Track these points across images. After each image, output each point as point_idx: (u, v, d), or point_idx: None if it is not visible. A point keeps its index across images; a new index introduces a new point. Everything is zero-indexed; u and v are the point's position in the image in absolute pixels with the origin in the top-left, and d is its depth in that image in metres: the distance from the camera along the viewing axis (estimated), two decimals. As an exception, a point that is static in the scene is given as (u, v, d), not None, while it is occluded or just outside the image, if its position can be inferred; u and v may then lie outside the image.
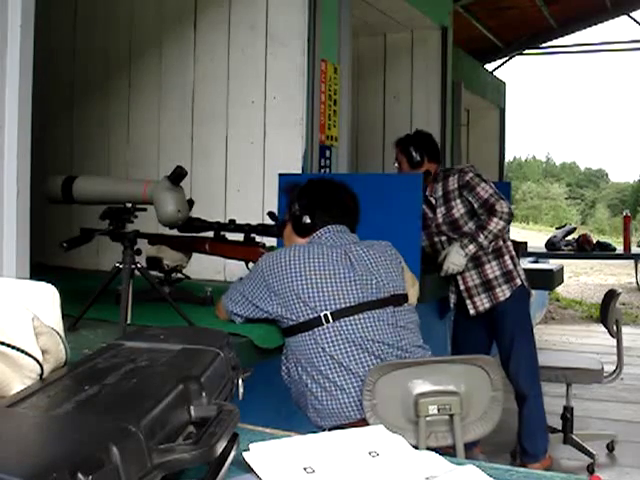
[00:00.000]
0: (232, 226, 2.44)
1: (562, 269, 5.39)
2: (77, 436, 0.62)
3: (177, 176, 1.95)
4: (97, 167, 3.81)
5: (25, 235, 1.83)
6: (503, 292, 3.17)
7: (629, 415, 4.32)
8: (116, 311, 1.95)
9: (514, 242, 3.69)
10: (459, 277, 3.21)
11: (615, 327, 3.56)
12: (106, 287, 2.01)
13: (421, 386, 1.93)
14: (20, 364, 0.85)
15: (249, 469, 0.80)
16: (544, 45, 9.41)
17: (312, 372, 1.97)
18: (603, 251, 6.11)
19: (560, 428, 3.58)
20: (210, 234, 2.49)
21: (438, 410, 1.91)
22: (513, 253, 3.27)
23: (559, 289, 8.99)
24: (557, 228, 6.47)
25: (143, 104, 3.78)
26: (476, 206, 3.11)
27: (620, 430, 3.87)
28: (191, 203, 2.09)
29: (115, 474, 0.59)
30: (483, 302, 3.19)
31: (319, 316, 1.95)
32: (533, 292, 3.35)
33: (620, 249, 6.10)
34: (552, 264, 5.89)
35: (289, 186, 2.25)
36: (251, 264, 2.32)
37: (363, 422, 1.87)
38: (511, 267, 3.20)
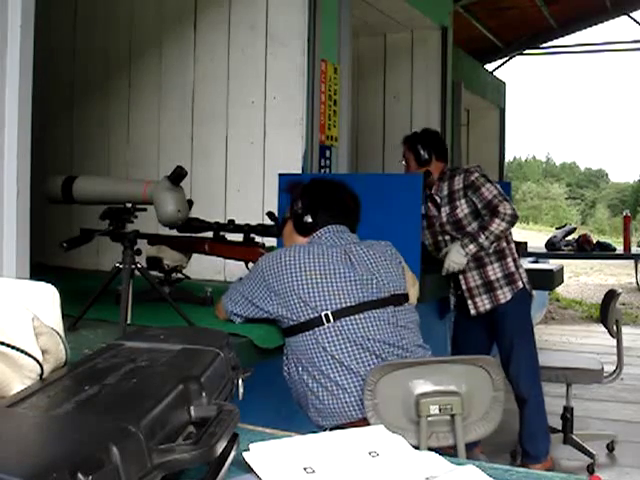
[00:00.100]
0: (231, 226, 2.44)
1: (562, 269, 5.38)
2: (77, 436, 0.62)
3: (177, 176, 1.95)
4: (97, 167, 3.81)
5: (25, 235, 1.83)
6: (504, 294, 3.16)
7: (629, 415, 4.32)
8: (116, 311, 1.95)
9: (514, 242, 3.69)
10: (461, 277, 3.21)
11: (615, 327, 3.56)
12: (106, 287, 2.01)
13: (422, 386, 1.93)
14: (20, 364, 0.85)
15: (249, 469, 0.79)
16: (544, 45, 9.41)
17: (313, 372, 1.97)
18: (603, 251, 6.11)
19: (560, 428, 3.57)
20: (210, 234, 2.49)
21: (439, 410, 1.91)
22: (516, 255, 3.26)
23: (559, 289, 8.99)
24: (557, 228, 6.47)
25: (143, 104, 3.78)
26: (479, 206, 3.10)
27: (620, 430, 3.87)
28: (190, 203, 2.09)
29: (115, 474, 0.58)
30: (484, 303, 3.19)
31: (320, 316, 1.95)
32: (533, 292, 3.34)
33: (620, 249, 6.11)
34: (552, 264, 5.89)
35: (291, 184, 2.25)
36: (251, 264, 2.32)
37: (364, 422, 1.87)
38: (513, 269, 3.19)
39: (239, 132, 3.49)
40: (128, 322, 1.94)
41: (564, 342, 6.90)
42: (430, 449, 1.22)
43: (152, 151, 3.73)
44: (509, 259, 3.19)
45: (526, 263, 5.34)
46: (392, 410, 1.92)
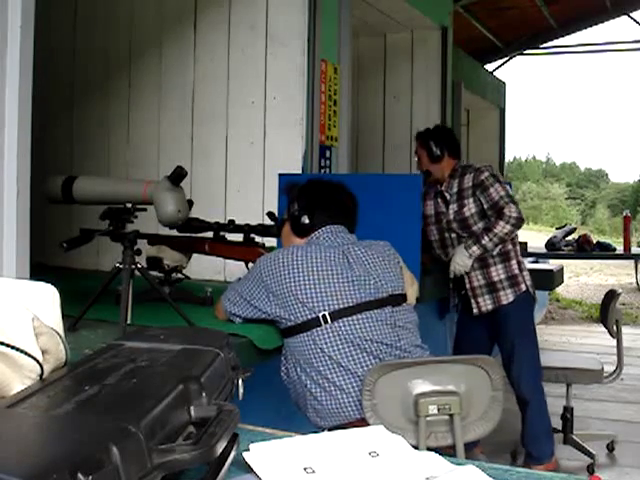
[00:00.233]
0: (231, 226, 2.44)
1: (562, 269, 5.39)
2: (77, 436, 0.62)
3: (177, 176, 1.95)
4: (97, 167, 3.81)
5: (25, 235, 1.83)
6: (506, 296, 3.16)
7: (629, 415, 4.32)
8: (116, 311, 1.95)
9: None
10: (465, 276, 3.21)
11: (615, 327, 3.56)
12: (106, 287, 2.01)
13: (421, 386, 1.93)
14: (20, 364, 0.85)
15: (249, 469, 0.79)
16: (544, 45, 9.41)
17: (311, 373, 1.97)
18: (603, 251, 6.11)
19: (560, 428, 3.57)
20: (210, 234, 2.50)
21: (438, 410, 1.91)
22: (521, 258, 3.24)
23: (559, 289, 8.99)
24: (557, 228, 6.47)
25: (143, 104, 3.78)
26: (486, 207, 3.09)
27: (620, 430, 3.87)
28: (190, 203, 2.09)
29: (115, 474, 0.59)
30: (486, 303, 3.19)
31: (317, 317, 1.95)
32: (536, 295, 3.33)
33: (620, 249, 6.11)
34: (552, 264, 5.89)
35: (288, 186, 2.25)
36: (251, 264, 2.32)
37: (363, 422, 1.87)
38: (517, 272, 3.18)
39: (239, 132, 3.49)
40: (128, 322, 1.94)
41: (564, 342, 6.90)
42: (429, 449, 1.22)
43: (152, 151, 3.73)
44: (513, 261, 3.18)
45: (526, 263, 5.34)
46: (391, 410, 1.92)
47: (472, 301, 3.21)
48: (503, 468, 0.86)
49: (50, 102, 3.89)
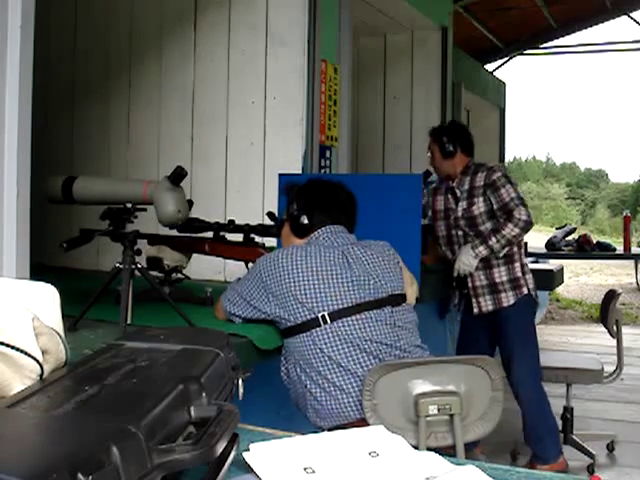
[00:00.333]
0: (231, 226, 2.44)
1: (562, 269, 5.38)
2: (77, 436, 0.62)
3: (177, 176, 1.95)
4: (97, 167, 3.81)
5: (25, 235, 1.83)
6: (507, 298, 3.15)
7: (629, 415, 4.32)
8: (116, 311, 1.95)
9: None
10: (468, 275, 3.20)
11: (615, 327, 3.55)
12: (106, 287, 2.01)
13: (421, 386, 1.93)
14: (20, 364, 0.85)
15: (249, 469, 0.79)
16: (544, 45, 9.41)
17: (311, 373, 1.97)
18: (603, 251, 6.11)
19: (560, 428, 3.57)
20: (210, 234, 2.50)
21: (438, 410, 1.91)
22: (525, 261, 3.23)
23: (559, 289, 8.99)
24: (557, 228, 6.48)
25: (143, 104, 3.78)
26: (495, 207, 3.08)
27: (620, 430, 3.87)
28: (190, 203, 2.09)
29: (115, 474, 0.58)
30: (487, 303, 3.18)
31: (317, 317, 1.95)
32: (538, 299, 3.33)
33: (620, 249, 6.11)
34: (552, 264, 5.89)
35: (288, 186, 2.25)
36: (250, 264, 2.32)
37: (363, 422, 1.87)
38: (519, 275, 3.17)
39: (239, 132, 3.49)
40: (128, 322, 1.94)
41: (564, 342, 6.90)
42: (429, 449, 1.22)
43: (152, 151, 3.73)
44: (517, 264, 3.17)
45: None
46: (391, 410, 1.92)
47: (473, 300, 3.21)
48: (503, 468, 0.86)
49: (50, 102, 3.89)
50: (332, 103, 3.53)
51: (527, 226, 3.05)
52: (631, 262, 9.69)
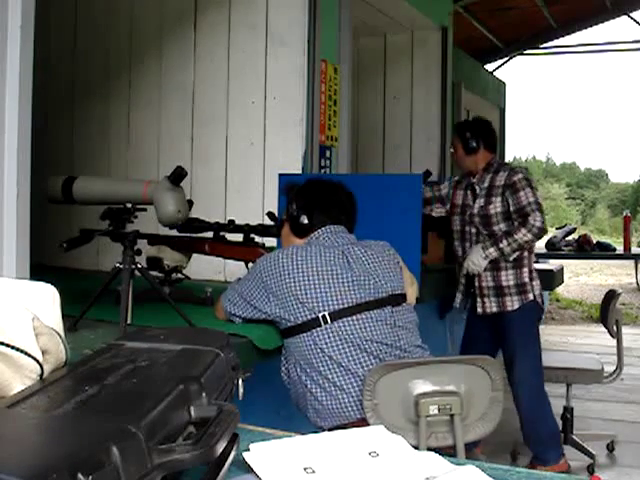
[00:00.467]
0: (231, 226, 2.44)
1: (562, 269, 5.38)
2: (77, 436, 0.62)
3: (177, 176, 1.95)
4: (97, 167, 3.81)
5: (25, 235, 1.83)
6: (512, 302, 3.14)
7: (629, 415, 4.32)
8: (116, 311, 1.95)
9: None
10: (476, 274, 3.20)
11: (615, 327, 3.55)
12: (106, 287, 2.01)
13: (422, 386, 1.93)
14: (20, 364, 0.85)
15: (249, 469, 0.79)
16: (544, 45, 9.41)
17: (311, 373, 1.97)
18: (603, 251, 6.11)
19: (560, 428, 3.57)
20: (210, 234, 2.50)
21: (439, 410, 1.91)
22: (533, 267, 3.21)
23: (559, 289, 9.00)
24: (557, 228, 6.48)
25: (143, 104, 3.78)
26: (512, 209, 3.07)
27: (620, 430, 3.87)
28: (190, 203, 2.09)
29: (115, 474, 0.58)
30: (491, 305, 3.17)
31: (317, 317, 1.95)
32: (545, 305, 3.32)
33: (620, 249, 6.11)
34: (552, 264, 5.89)
35: (288, 186, 2.25)
36: (250, 264, 2.32)
37: (363, 422, 1.87)
38: (526, 280, 3.15)
39: (239, 132, 3.49)
40: (128, 322, 1.94)
41: (564, 342, 6.90)
42: (429, 449, 1.22)
43: (152, 151, 3.73)
44: (525, 269, 3.15)
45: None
46: (391, 410, 1.92)
47: (478, 300, 3.20)
48: (503, 468, 0.86)
49: (50, 102, 3.90)
50: (332, 103, 3.53)
51: (540, 233, 3.04)
52: (631, 262, 9.69)
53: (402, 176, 3.37)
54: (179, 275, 2.50)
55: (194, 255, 2.56)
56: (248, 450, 0.82)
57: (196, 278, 2.75)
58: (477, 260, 3.12)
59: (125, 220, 2.04)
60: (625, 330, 3.72)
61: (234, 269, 2.95)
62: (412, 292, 2.20)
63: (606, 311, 3.60)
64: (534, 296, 3.17)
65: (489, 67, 8.79)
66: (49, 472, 0.53)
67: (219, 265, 3.26)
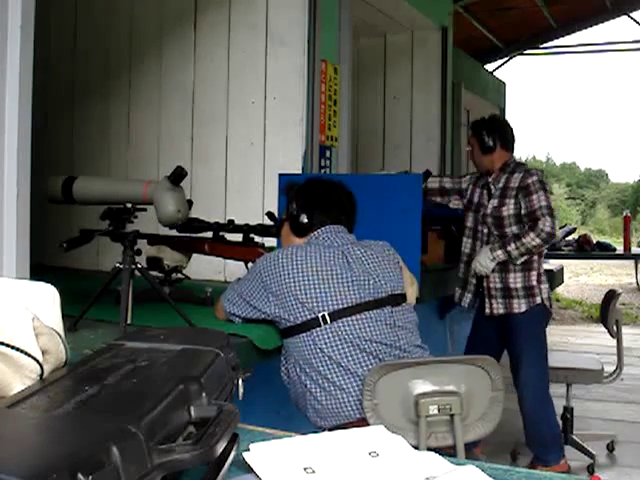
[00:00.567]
0: (231, 226, 2.44)
1: (562, 269, 5.39)
2: (77, 436, 0.62)
3: (177, 176, 1.96)
4: (97, 167, 3.82)
5: (25, 235, 1.83)
6: (519, 305, 3.12)
7: (629, 415, 4.32)
8: (116, 311, 1.95)
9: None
10: (485, 275, 3.19)
11: (615, 327, 3.56)
12: (106, 287, 2.01)
13: (422, 386, 1.93)
14: (20, 364, 0.85)
15: (249, 469, 0.79)
16: (544, 45, 9.41)
17: (311, 373, 1.97)
18: (603, 251, 6.12)
19: (560, 428, 3.57)
20: (210, 234, 2.49)
21: (438, 410, 1.91)
22: (542, 270, 3.20)
23: (559, 289, 8.99)
24: (557, 228, 6.48)
25: (143, 104, 3.78)
26: (523, 212, 3.05)
27: (620, 430, 3.87)
28: (190, 203, 2.09)
29: (115, 474, 0.58)
30: (499, 306, 3.16)
31: (317, 317, 1.95)
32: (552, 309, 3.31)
33: (620, 249, 6.11)
34: (552, 264, 5.89)
35: (288, 186, 2.25)
36: (250, 264, 2.32)
37: (363, 422, 1.87)
38: (534, 283, 3.14)
39: (239, 132, 3.49)
40: (128, 322, 1.94)
41: (564, 342, 6.90)
42: (429, 449, 1.22)
43: (152, 151, 3.73)
44: (534, 272, 3.14)
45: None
46: (391, 410, 1.92)
47: (486, 300, 3.19)
48: (503, 468, 0.86)
49: (50, 102, 3.90)
50: (332, 103, 3.53)
51: (548, 238, 3.01)
52: (631, 262, 9.69)
53: (402, 176, 3.36)
54: (179, 275, 2.50)
55: (194, 255, 2.56)
56: (248, 450, 0.82)
57: (196, 278, 2.75)
58: (484, 262, 3.11)
59: (125, 220, 2.05)
60: (625, 330, 3.72)
61: (234, 269, 2.95)
62: (412, 292, 2.20)
63: (606, 311, 3.60)
64: (542, 299, 3.15)
65: (489, 67, 8.80)
66: (49, 472, 0.53)
67: (219, 265, 3.26)
